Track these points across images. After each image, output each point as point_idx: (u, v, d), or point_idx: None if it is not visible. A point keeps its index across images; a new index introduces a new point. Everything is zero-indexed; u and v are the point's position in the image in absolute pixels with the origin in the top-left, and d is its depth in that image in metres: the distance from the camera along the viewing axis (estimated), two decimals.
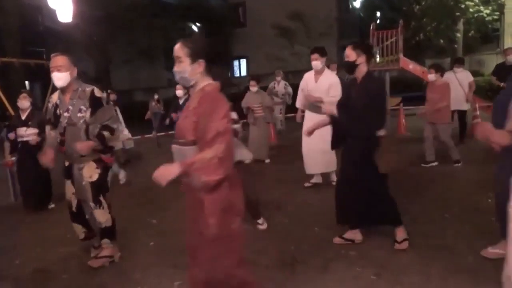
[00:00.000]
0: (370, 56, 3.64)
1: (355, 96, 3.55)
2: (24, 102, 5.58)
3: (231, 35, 22.50)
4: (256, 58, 21.63)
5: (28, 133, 5.46)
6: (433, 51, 19.34)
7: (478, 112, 8.98)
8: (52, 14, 10.65)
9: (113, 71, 20.91)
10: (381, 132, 3.50)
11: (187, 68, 2.22)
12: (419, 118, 7.40)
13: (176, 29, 20.76)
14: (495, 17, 18.89)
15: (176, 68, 2.24)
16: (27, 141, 5.45)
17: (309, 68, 5.42)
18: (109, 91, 8.99)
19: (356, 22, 20.69)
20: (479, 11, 18.46)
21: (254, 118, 7.49)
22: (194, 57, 2.21)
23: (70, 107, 3.40)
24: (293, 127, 8.64)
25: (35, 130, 5.44)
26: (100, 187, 3.48)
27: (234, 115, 3.91)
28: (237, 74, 24.12)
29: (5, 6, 15.18)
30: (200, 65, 2.22)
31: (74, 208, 3.56)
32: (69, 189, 3.54)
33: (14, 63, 11.06)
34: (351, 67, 3.60)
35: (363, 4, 21.27)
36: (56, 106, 3.49)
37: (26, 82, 17.31)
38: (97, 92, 3.47)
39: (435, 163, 6.53)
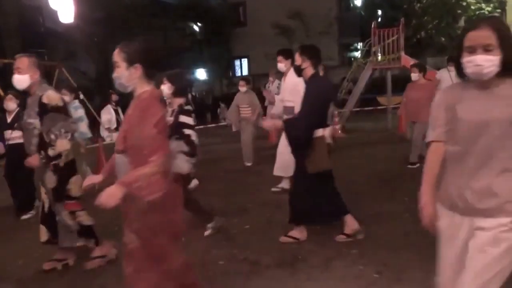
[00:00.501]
0: (315, 61, 3.76)
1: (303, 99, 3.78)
2: (10, 104, 5.40)
3: (231, 35, 22.48)
4: (257, 58, 21.59)
5: (13, 136, 5.27)
6: (434, 49, 19.28)
7: None
8: (52, 15, 10.67)
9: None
10: (319, 133, 3.65)
11: (124, 73, 2.16)
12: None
13: (176, 29, 20.77)
14: (497, 14, 18.83)
15: (114, 74, 2.19)
16: (13, 144, 5.24)
17: None
18: (110, 91, 8.99)
19: (357, 21, 20.63)
20: (481, 8, 18.41)
21: (241, 118, 7.42)
22: (130, 62, 2.15)
23: (27, 112, 3.36)
24: None
25: (21, 133, 5.29)
26: (60, 194, 3.40)
27: (189, 120, 3.84)
28: (238, 73, 24.11)
29: (5, 7, 15.21)
30: (137, 70, 2.16)
31: (46, 209, 3.51)
32: (42, 190, 3.52)
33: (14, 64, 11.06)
34: (298, 70, 3.84)
35: (363, 3, 21.24)
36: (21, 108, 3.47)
37: None
38: (45, 98, 3.27)
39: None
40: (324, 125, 3.69)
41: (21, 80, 3.29)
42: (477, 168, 1.80)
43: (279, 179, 5.61)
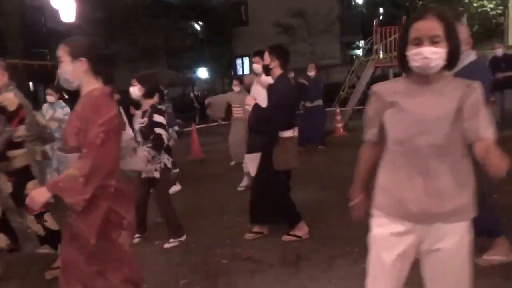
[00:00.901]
0: (284, 61, 3.81)
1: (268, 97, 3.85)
2: None
3: (233, 34, 22.48)
4: None
5: None
6: None
7: None
8: (54, 14, 10.68)
9: (115, 71, 20.96)
10: (287, 134, 3.75)
11: (68, 68, 2.07)
12: None
13: (178, 28, 20.77)
14: (499, 11, 18.76)
15: (58, 70, 2.08)
16: None
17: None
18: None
19: (358, 19, 20.60)
20: (483, 5, 18.34)
21: (233, 118, 7.23)
22: (74, 56, 2.06)
23: None
24: None
25: None
26: (19, 199, 3.16)
27: (162, 119, 3.85)
28: (240, 72, 24.10)
29: (7, 7, 15.23)
30: (82, 64, 2.08)
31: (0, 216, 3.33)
32: None
33: (17, 64, 11.12)
34: (267, 70, 3.88)
35: (365, 1, 21.19)
36: None
37: (30, 84, 17.38)
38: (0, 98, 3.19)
39: None
40: (292, 126, 3.81)
41: None
42: (425, 169, 1.65)
43: None
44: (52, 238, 3.38)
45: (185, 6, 20.73)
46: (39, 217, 3.35)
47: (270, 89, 3.90)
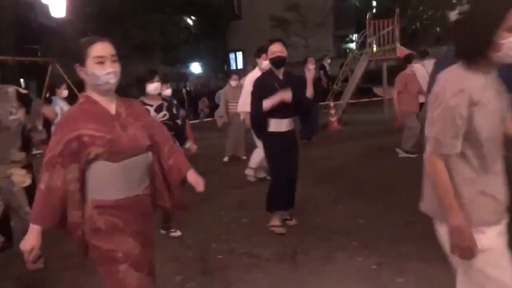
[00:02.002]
0: None
1: (284, 88, 3.79)
2: None
3: (226, 28, 22.38)
4: (252, 51, 21.50)
5: None
6: (429, 40, 19.27)
7: None
8: (45, 10, 10.56)
9: None
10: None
11: (119, 70, 1.95)
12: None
13: (172, 23, 20.61)
14: None
15: (113, 68, 1.89)
16: None
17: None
18: None
19: (352, 12, 20.58)
20: None
21: (231, 114, 7.20)
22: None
23: None
24: None
25: None
26: (34, 192, 3.31)
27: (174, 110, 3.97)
28: (233, 67, 24.02)
29: None
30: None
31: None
32: None
33: (8, 61, 10.99)
34: (284, 61, 3.87)
35: None
36: None
37: (21, 80, 17.20)
38: (22, 90, 3.27)
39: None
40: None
41: None
42: (499, 163, 1.62)
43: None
44: None
45: (179, 0, 20.59)
46: None
47: (298, 80, 3.93)
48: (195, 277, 3.24)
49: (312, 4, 18.27)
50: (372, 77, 13.77)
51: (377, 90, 14.34)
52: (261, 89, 3.84)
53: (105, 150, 1.87)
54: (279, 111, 3.77)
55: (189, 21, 22.35)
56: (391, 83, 12.94)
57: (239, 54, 23.88)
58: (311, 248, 3.57)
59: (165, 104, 3.93)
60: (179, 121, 4.00)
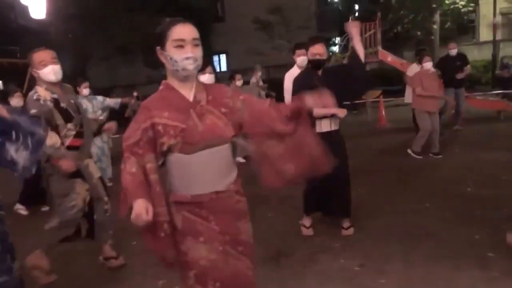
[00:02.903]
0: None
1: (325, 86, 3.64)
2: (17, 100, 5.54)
3: (210, 30, 22.31)
4: (236, 53, 21.51)
5: None
6: (411, 43, 19.59)
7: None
8: (25, 11, 10.37)
9: (91, 68, 20.51)
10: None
11: (200, 55, 1.79)
12: (399, 110, 7.48)
13: (153, 24, 20.41)
14: (471, 8, 19.22)
15: (195, 53, 1.75)
16: None
17: (290, 62, 5.36)
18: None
19: (335, 15, 20.77)
20: (455, 2, 18.75)
21: None
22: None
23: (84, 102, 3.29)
24: None
25: None
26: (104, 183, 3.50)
27: None
28: (217, 69, 23.97)
29: None
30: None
31: (87, 209, 3.32)
32: (82, 187, 3.25)
33: None
34: (324, 64, 3.72)
35: None
36: (56, 101, 3.14)
37: (0, 82, 16.82)
38: None
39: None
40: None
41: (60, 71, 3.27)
42: None
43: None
44: None
45: (161, 1, 20.44)
46: None
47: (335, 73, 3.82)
48: (177, 282, 3.19)
49: (295, 7, 18.38)
50: None
51: None
52: (301, 88, 3.56)
53: (178, 141, 1.73)
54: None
55: None
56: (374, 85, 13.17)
57: (223, 56, 23.84)
58: (294, 249, 3.58)
59: None
60: None
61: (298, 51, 5.07)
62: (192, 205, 1.80)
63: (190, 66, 1.74)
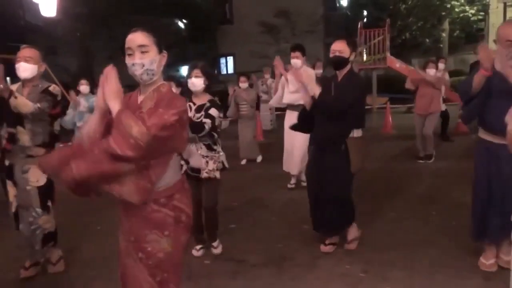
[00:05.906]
0: (353, 53, 3.51)
1: (335, 93, 3.39)
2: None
3: (217, 32, 22.36)
4: (243, 56, 21.54)
5: None
6: (419, 50, 19.55)
7: None
8: (33, 9, 10.43)
9: (97, 67, 20.61)
10: (358, 133, 3.41)
11: (156, 58, 1.87)
12: (406, 117, 7.46)
13: (161, 25, 20.51)
14: (480, 17, 19.16)
15: (140, 59, 1.84)
16: None
17: None
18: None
19: (343, 20, 20.73)
20: (465, 11, 18.72)
21: (240, 116, 7.27)
22: (160, 47, 1.89)
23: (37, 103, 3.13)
24: (280, 124, 8.61)
25: None
26: (49, 191, 3.20)
27: (215, 113, 3.44)
28: (224, 71, 23.99)
29: None
30: (164, 58, 1.93)
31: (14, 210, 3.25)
32: (11, 191, 3.21)
33: None
34: (344, 63, 3.40)
35: (349, 2, 21.36)
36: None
37: (8, 78, 16.91)
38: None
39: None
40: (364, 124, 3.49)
41: (29, 69, 3.26)
42: None
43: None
44: (55, 235, 3.35)
45: (169, 2, 20.51)
46: (49, 212, 3.26)
47: (344, 85, 3.40)
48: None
49: (302, 11, 18.38)
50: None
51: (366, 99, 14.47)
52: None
53: None
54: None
55: (180, 24, 22.28)
56: (380, 91, 13.10)
57: (230, 59, 23.87)
58: (297, 254, 3.55)
59: (208, 104, 3.47)
60: (206, 119, 3.42)
61: (292, 53, 5.09)
62: None
63: (137, 72, 1.87)
